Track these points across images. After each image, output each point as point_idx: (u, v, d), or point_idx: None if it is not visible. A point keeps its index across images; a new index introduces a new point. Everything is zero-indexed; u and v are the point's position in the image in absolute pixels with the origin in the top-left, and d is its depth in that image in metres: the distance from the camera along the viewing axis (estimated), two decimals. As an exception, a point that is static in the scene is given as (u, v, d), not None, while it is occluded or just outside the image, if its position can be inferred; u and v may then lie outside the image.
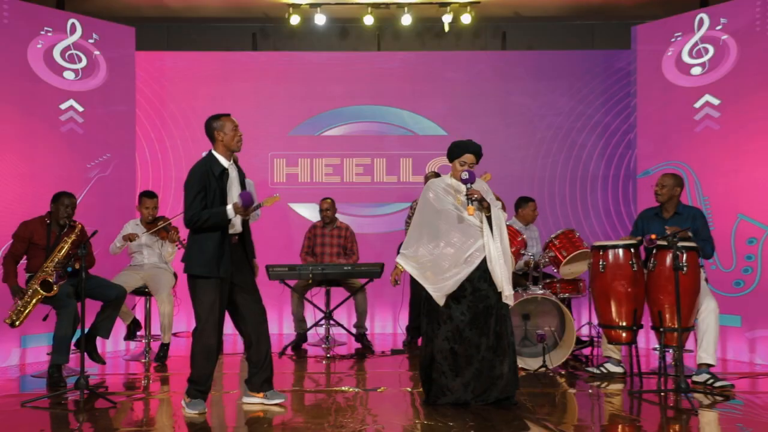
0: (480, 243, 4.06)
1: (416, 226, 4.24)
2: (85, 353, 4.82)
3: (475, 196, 4.01)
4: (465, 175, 4.05)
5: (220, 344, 4.22)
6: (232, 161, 4.12)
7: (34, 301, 4.83)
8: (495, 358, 4.03)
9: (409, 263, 4.17)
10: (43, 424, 3.87)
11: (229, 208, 3.92)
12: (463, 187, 4.09)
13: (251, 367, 4.19)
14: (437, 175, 6.38)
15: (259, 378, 4.17)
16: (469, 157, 4.14)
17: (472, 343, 4.02)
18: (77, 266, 4.53)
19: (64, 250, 4.93)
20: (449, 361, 4.04)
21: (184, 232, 6.21)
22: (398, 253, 6.37)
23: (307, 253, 6.47)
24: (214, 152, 4.06)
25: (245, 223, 4.18)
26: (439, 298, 4.05)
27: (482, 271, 4.05)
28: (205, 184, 3.94)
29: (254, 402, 4.18)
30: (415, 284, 6.28)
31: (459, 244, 4.07)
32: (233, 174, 4.11)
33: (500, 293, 4.04)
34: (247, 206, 3.92)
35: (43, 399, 4.32)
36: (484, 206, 4.07)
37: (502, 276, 4.03)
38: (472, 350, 4.02)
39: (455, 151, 4.19)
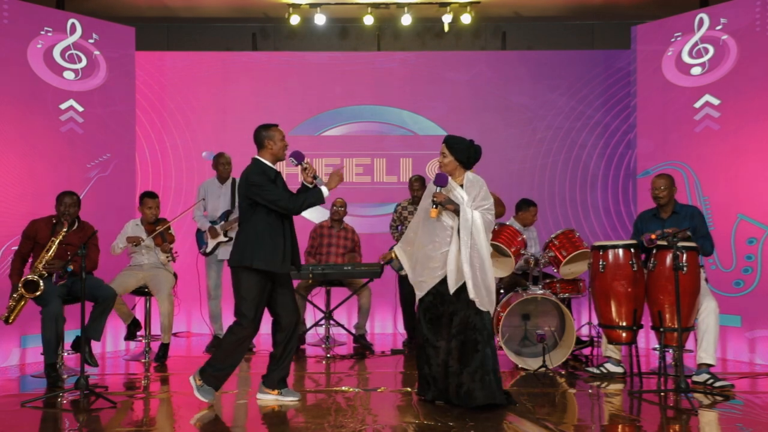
0: (446, 249, 4.02)
1: (413, 224, 4.30)
2: (80, 354, 4.82)
3: (436, 199, 3.98)
4: (434, 179, 4.06)
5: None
6: None
7: (22, 300, 4.83)
8: (457, 366, 3.98)
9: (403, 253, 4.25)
10: (43, 424, 3.87)
11: (323, 187, 4.10)
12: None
13: (272, 364, 4.21)
14: (420, 178, 6.38)
15: (277, 375, 4.20)
16: (441, 147, 4.19)
17: (430, 343, 4.06)
18: (70, 267, 4.54)
19: (51, 251, 4.87)
20: (421, 355, 4.13)
21: (182, 239, 6.24)
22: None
23: (309, 253, 6.45)
24: (261, 158, 4.17)
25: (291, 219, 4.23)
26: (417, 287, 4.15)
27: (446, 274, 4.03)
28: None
29: (269, 399, 4.20)
30: (403, 284, 6.30)
31: (431, 248, 4.07)
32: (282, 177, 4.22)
33: (472, 301, 3.96)
34: (301, 159, 4.19)
35: (43, 399, 4.32)
36: (449, 209, 4.00)
37: (458, 280, 3.96)
38: (431, 350, 4.06)
39: None
